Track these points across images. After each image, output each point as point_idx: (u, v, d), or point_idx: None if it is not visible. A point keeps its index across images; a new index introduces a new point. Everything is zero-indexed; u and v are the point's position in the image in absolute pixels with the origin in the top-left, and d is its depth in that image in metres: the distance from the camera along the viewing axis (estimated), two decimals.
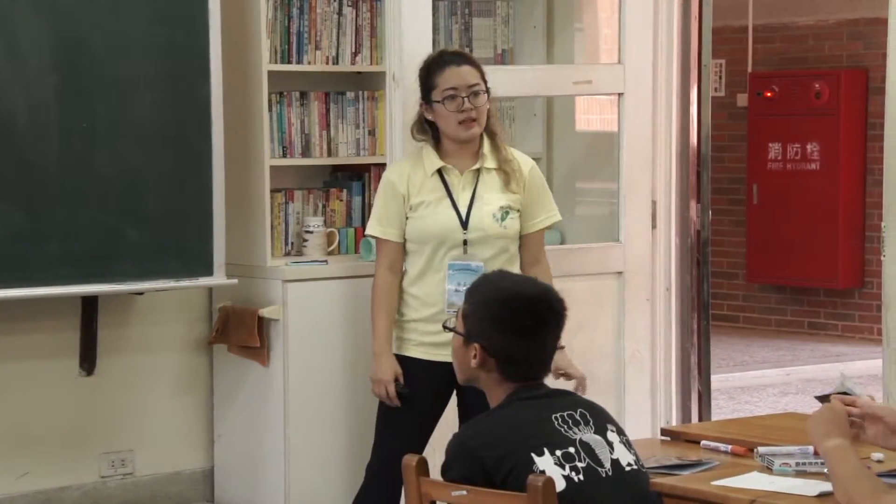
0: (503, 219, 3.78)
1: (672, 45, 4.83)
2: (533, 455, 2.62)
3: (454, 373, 3.61)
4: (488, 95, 3.80)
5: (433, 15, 4.44)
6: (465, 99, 3.74)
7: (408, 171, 3.81)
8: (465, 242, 3.74)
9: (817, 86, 8.82)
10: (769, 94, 9.01)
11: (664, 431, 3.43)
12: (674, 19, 4.82)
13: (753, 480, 2.82)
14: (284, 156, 4.67)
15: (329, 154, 4.78)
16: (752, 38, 9.21)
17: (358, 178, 4.89)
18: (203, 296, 4.76)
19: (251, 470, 4.65)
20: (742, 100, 9.24)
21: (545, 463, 2.62)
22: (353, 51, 4.80)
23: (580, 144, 5.23)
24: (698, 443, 3.14)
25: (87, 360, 4.60)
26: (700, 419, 4.87)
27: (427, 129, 3.82)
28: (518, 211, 3.81)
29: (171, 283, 4.41)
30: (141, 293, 4.55)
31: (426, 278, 3.77)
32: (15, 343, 4.51)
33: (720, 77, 9.26)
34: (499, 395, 2.77)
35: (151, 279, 4.38)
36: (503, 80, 4.62)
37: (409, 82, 4.21)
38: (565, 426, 2.68)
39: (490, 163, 3.81)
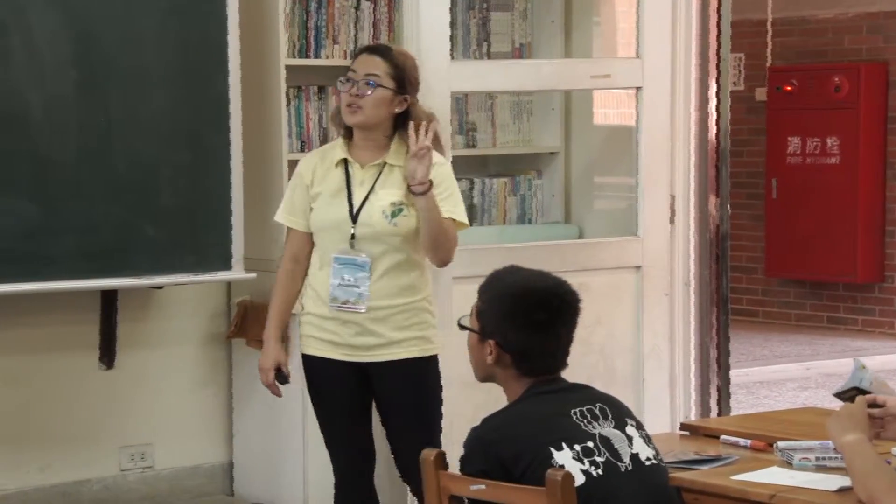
0: (394, 215, 3.62)
1: (691, 39, 4.81)
2: (551, 449, 2.62)
3: (360, 372, 3.65)
4: (401, 94, 3.63)
5: (451, 9, 4.44)
6: (357, 84, 3.61)
7: (315, 161, 3.72)
8: (352, 237, 3.63)
9: (837, 79, 8.78)
10: (788, 88, 8.98)
11: (683, 426, 3.42)
12: (692, 13, 4.81)
13: (773, 475, 2.81)
14: (302, 150, 4.67)
15: None
16: (772, 31, 9.17)
17: None
18: (221, 290, 4.77)
19: (270, 464, 4.66)
20: (761, 94, 9.21)
21: (564, 457, 2.61)
22: None
23: (598, 139, 5.21)
24: (717, 437, 3.13)
25: (107, 354, 4.62)
26: (719, 414, 4.86)
27: (340, 120, 3.71)
28: (411, 209, 3.63)
29: (189, 278, 4.42)
30: (160, 287, 4.56)
31: (321, 272, 3.68)
32: (35, 337, 4.53)
33: (739, 71, 9.23)
34: (516, 391, 2.76)
35: (170, 273, 4.39)
36: (521, 75, 4.61)
37: (427, 77, 4.21)
38: (584, 420, 2.68)
39: (395, 159, 3.66)
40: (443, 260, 3.72)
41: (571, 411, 2.68)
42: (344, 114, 3.65)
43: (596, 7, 5.22)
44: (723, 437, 3.12)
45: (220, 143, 4.42)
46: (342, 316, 3.64)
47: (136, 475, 4.69)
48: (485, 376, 2.81)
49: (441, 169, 3.68)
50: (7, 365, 4.49)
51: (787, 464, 2.88)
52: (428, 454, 2.68)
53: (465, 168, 5.03)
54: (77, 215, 4.28)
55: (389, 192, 3.64)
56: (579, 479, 2.59)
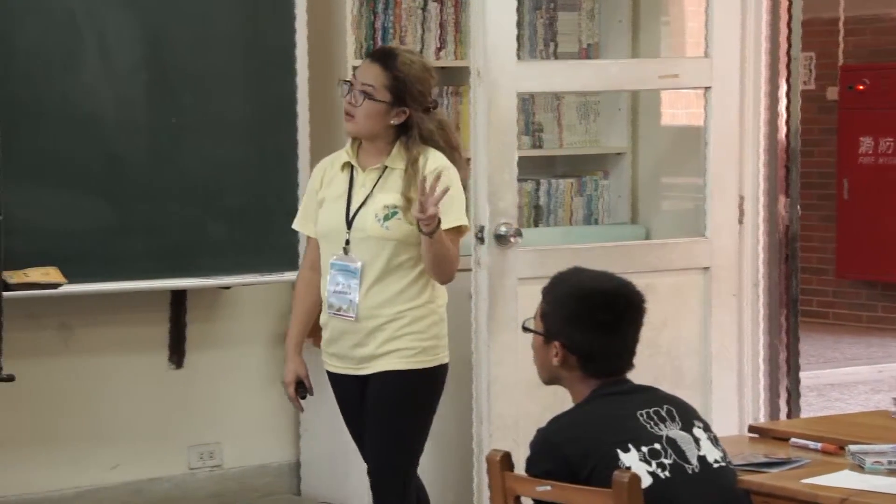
0: (386, 219, 3.49)
1: (761, 38, 4.77)
2: (618, 451, 2.60)
3: (360, 386, 3.54)
4: (398, 106, 3.50)
5: (518, 9, 4.43)
6: (352, 93, 3.52)
7: (325, 166, 3.65)
8: (346, 242, 3.52)
9: None
10: (860, 88, 8.86)
11: (752, 428, 3.38)
12: (762, 11, 4.76)
13: (844, 479, 2.77)
14: None
15: None
16: (843, 30, 9.06)
17: None
18: (289, 290, 4.80)
19: (337, 463, 4.67)
20: (832, 93, 9.10)
21: (630, 459, 2.60)
22: (438, 46, 4.80)
23: (666, 139, 5.18)
24: (787, 440, 3.10)
25: (176, 354, 4.67)
26: (789, 416, 4.81)
27: None
28: (405, 212, 3.49)
29: (257, 278, 4.46)
30: (228, 287, 4.60)
31: (323, 279, 3.59)
32: (106, 337, 4.59)
33: (810, 70, 9.12)
34: (582, 392, 2.75)
35: (238, 274, 4.43)
36: (588, 75, 4.59)
37: (493, 77, 4.20)
38: (650, 422, 2.66)
39: (396, 163, 3.54)
40: (445, 280, 3.58)
41: (638, 413, 2.67)
42: (344, 120, 3.58)
43: (664, 6, 5.18)
44: (792, 439, 3.09)
45: (287, 143, 4.45)
46: (339, 325, 3.53)
47: (204, 473, 4.73)
48: (550, 378, 2.80)
49: (446, 173, 3.50)
50: (80, 364, 4.56)
51: (859, 467, 2.84)
52: (494, 455, 2.67)
53: (532, 169, 5.02)
54: (147, 216, 4.34)
55: (385, 195, 3.52)
56: (646, 481, 2.58)
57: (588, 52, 5.14)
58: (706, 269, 4.68)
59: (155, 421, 4.65)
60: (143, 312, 4.60)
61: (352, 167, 3.58)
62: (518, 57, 4.37)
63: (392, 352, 3.52)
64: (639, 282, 2.84)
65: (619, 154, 5.17)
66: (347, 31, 4.57)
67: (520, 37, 4.62)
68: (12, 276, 4.11)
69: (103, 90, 4.30)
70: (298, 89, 4.45)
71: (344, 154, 3.61)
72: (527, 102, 5.02)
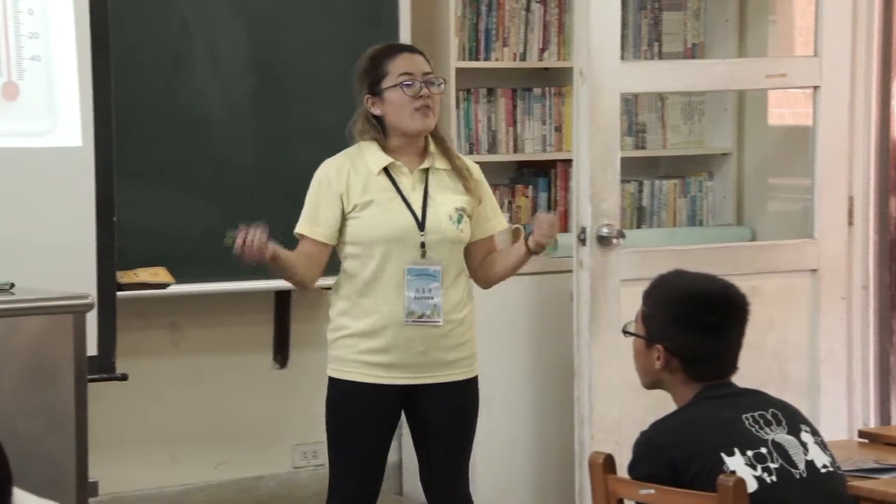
0: (459, 221, 3.41)
1: (872, 36, 4.68)
2: (723, 455, 2.57)
3: (399, 395, 3.40)
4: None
5: (622, 10, 4.40)
6: (423, 85, 3.39)
7: (347, 169, 3.42)
8: (422, 245, 3.38)
9: None
10: None
11: (862, 433, 3.32)
12: (874, 9, 4.67)
13: None
14: (471, 152, 4.70)
15: (515, 150, 4.79)
16: None
17: (544, 175, 4.88)
18: None
19: None
20: None
21: (736, 463, 2.56)
22: (541, 47, 4.80)
23: (772, 139, 5.11)
24: None
25: (281, 354, 4.72)
26: None
27: (375, 125, 3.43)
28: (470, 216, 3.45)
29: None
30: (330, 288, 4.63)
31: (377, 285, 3.38)
32: (212, 337, 4.65)
33: None
34: (685, 396, 2.72)
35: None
36: (693, 75, 4.54)
37: (596, 78, 4.18)
38: (756, 426, 2.62)
39: (440, 163, 3.43)
40: (492, 285, 3.58)
41: (743, 416, 2.63)
42: (411, 119, 3.38)
43: (772, 5, 5.11)
44: None
45: None
46: (407, 332, 3.37)
47: (308, 473, 4.78)
48: (652, 382, 2.77)
49: (482, 175, 3.49)
50: (188, 363, 4.63)
51: None
52: (596, 457, 2.66)
53: (635, 169, 4.98)
54: (253, 217, 4.38)
55: (448, 196, 3.42)
56: (752, 486, 2.54)
57: (693, 52, 5.09)
58: (814, 271, 4.60)
59: (259, 420, 4.71)
60: (248, 313, 4.66)
61: (387, 168, 3.40)
62: (622, 57, 4.35)
63: (456, 361, 3.43)
64: (744, 284, 2.80)
65: (724, 154, 5.11)
66: (451, 33, 4.58)
67: (624, 37, 4.59)
68: (123, 277, 4.19)
69: (212, 94, 4.37)
70: None
71: (378, 156, 3.40)
72: (630, 103, 4.99)
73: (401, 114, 3.39)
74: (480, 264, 3.52)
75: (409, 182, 3.41)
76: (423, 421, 3.45)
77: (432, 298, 3.37)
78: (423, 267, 3.37)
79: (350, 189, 3.41)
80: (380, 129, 3.43)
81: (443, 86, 3.45)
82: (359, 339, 3.40)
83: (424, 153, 3.44)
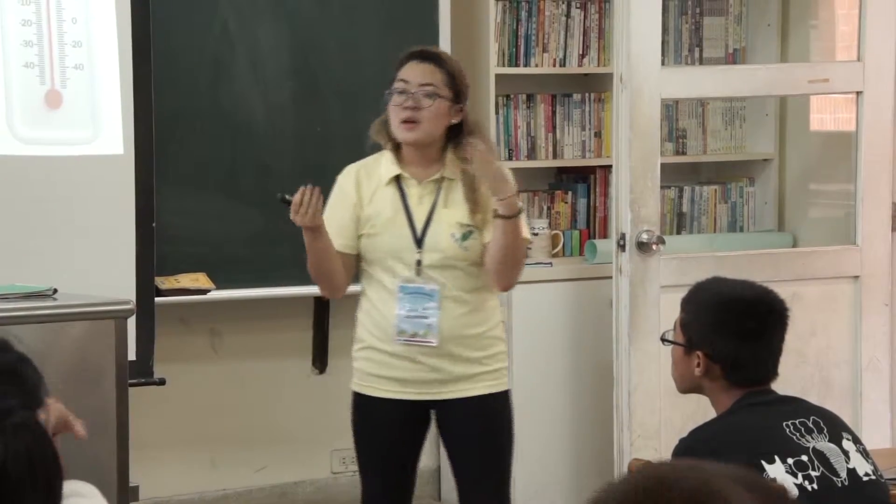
0: (464, 238, 3.23)
1: None
2: (763, 462, 2.55)
3: (420, 408, 3.30)
4: (458, 103, 3.26)
5: (663, 15, 4.38)
6: (412, 96, 3.23)
7: (360, 177, 3.30)
8: (418, 263, 3.23)
9: None
10: None
11: None
12: None
13: None
14: (510, 158, 4.69)
15: (554, 156, 4.78)
16: None
17: (583, 181, 4.87)
18: None
19: None
20: None
21: (776, 471, 2.54)
22: (581, 52, 4.78)
23: (814, 144, 5.07)
24: None
25: (320, 360, 4.73)
26: None
27: (386, 130, 3.31)
28: (481, 230, 3.24)
29: None
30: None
31: (380, 301, 3.28)
32: (253, 342, 4.67)
33: None
34: (725, 403, 2.70)
35: None
36: (735, 80, 4.52)
37: (637, 83, 4.16)
38: (797, 434, 2.60)
39: (453, 172, 3.25)
40: (511, 283, 3.32)
41: (784, 424, 2.61)
42: (397, 129, 3.24)
43: (814, 10, 5.07)
44: None
45: None
46: (409, 351, 3.26)
47: (346, 478, 4.78)
48: (689, 388, 2.75)
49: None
50: (227, 368, 4.65)
51: None
52: (635, 464, 2.64)
53: (675, 175, 4.96)
54: (292, 223, 4.40)
55: (454, 211, 3.24)
56: (793, 494, 2.52)
57: (735, 57, 5.06)
58: (856, 277, 4.56)
59: (298, 425, 4.72)
60: (287, 318, 4.67)
61: (398, 179, 3.28)
62: (663, 63, 4.33)
63: (475, 376, 3.30)
64: (785, 290, 2.79)
65: (765, 160, 5.08)
66: (491, 39, 4.58)
67: (664, 42, 4.57)
68: (164, 282, 4.22)
69: (253, 100, 4.39)
70: None
71: (389, 166, 3.29)
72: (670, 108, 4.96)
73: (392, 122, 3.28)
74: (485, 267, 3.29)
75: (417, 194, 3.26)
76: (448, 435, 3.39)
77: (426, 318, 3.24)
78: (418, 286, 3.23)
79: (362, 200, 3.31)
80: (388, 135, 3.31)
81: (436, 99, 3.23)
82: (372, 352, 3.34)
83: (439, 162, 3.28)
